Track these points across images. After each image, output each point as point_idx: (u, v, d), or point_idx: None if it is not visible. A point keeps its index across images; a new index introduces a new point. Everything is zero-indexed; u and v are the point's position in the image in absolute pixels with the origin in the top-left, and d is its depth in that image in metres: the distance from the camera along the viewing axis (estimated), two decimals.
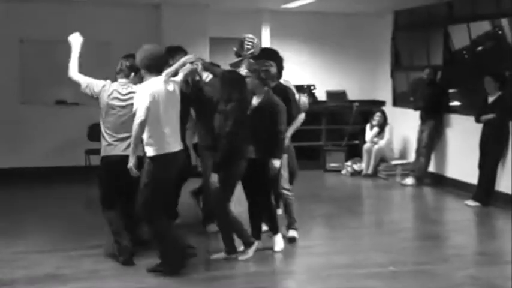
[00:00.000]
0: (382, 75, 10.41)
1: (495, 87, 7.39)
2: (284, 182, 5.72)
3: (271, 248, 5.47)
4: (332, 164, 9.87)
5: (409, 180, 8.76)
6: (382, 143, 9.50)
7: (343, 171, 9.73)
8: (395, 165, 9.41)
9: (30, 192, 8.10)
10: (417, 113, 8.87)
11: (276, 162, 5.29)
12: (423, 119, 8.75)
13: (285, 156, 5.65)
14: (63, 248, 5.56)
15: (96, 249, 5.49)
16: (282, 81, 5.96)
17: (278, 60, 5.92)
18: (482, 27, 7.98)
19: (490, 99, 7.45)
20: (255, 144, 5.27)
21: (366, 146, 9.56)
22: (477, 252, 5.85)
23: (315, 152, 9.99)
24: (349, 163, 9.74)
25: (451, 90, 8.72)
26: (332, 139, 10.14)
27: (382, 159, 9.51)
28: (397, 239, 6.07)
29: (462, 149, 8.26)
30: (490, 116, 7.32)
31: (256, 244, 5.27)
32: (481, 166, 7.47)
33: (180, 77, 5.04)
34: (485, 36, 7.99)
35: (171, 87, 4.83)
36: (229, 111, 5.00)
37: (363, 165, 9.56)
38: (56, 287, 4.65)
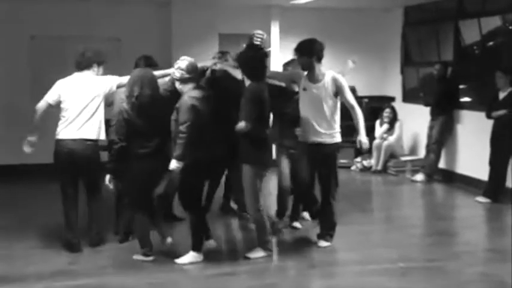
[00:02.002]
0: (392, 71, 10.37)
1: (506, 82, 7.34)
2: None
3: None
4: (342, 160, 9.80)
5: (419, 177, 8.73)
6: (392, 139, 9.47)
7: (353, 168, 9.72)
8: (405, 161, 9.39)
9: (42, 189, 8.13)
10: (427, 109, 8.83)
11: (173, 163, 4.85)
12: (433, 115, 8.71)
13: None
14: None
15: (107, 244, 5.52)
16: (324, 72, 5.53)
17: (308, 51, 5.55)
18: (493, 22, 7.93)
19: (501, 95, 7.40)
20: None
21: (375, 142, 9.53)
22: (487, 248, 5.82)
23: None
24: (358, 159, 9.73)
25: (461, 86, 8.68)
26: (342, 135, 10.07)
27: (392, 155, 9.48)
28: (406, 236, 6.05)
29: (473, 145, 8.22)
30: (502, 112, 7.27)
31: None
32: (492, 162, 7.42)
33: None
34: (496, 31, 7.95)
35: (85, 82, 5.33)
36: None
37: (373, 161, 9.53)
38: (66, 283, 4.68)
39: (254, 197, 5.11)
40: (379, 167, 9.41)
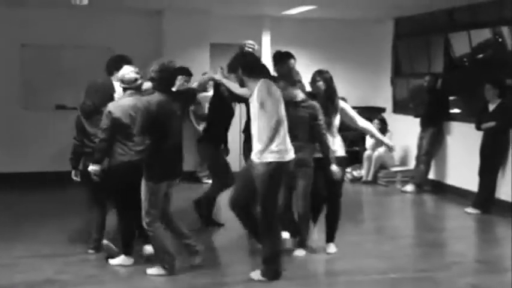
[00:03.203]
0: (383, 82, 10.42)
1: (495, 94, 7.40)
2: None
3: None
4: None
5: (409, 187, 8.76)
6: (382, 150, 9.49)
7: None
8: (396, 172, 9.42)
9: (31, 197, 8.10)
10: (417, 120, 8.87)
11: (90, 166, 5.10)
12: (423, 126, 8.75)
13: None
14: (62, 253, 5.56)
15: (96, 253, 5.48)
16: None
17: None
18: (483, 34, 8.00)
19: (491, 106, 7.45)
20: None
21: (366, 153, 9.56)
22: (477, 259, 5.83)
23: None
24: (349, 170, 9.74)
25: (451, 98, 8.74)
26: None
27: (382, 166, 9.50)
28: (397, 246, 6.06)
29: (462, 156, 8.26)
30: (491, 123, 7.32)
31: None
32: (481, 174, 7.46)
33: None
34: (486, 43, 8.01)
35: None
36: None
37: (363, 172, 9.56)
38: None
39: (145, 210, 4.89)
40: (370, 178, 9.43)
